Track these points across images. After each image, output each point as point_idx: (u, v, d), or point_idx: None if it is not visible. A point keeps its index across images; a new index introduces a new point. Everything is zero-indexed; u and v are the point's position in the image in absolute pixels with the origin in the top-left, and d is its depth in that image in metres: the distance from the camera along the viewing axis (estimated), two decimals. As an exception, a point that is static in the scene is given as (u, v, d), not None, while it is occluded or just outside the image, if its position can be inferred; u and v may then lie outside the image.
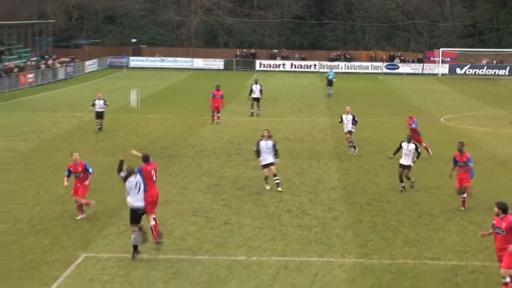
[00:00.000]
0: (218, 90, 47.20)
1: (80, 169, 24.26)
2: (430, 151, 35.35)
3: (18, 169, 32.01)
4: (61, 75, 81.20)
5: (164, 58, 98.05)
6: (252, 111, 50.42)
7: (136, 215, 20.16)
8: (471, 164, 26.06)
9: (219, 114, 46.95)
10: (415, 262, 20.26)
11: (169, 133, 42.76)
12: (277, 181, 28.45)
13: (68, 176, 24.41)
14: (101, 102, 43.20)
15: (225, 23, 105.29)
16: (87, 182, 24.28)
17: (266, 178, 28.67)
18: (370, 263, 19.80)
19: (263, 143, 28.46)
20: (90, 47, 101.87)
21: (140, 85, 72.90)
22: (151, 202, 20.84)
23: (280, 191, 28.10)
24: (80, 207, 24.23)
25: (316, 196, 27.88)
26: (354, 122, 36.29)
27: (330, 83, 65.89)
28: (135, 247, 20.03)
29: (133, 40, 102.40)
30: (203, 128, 44.87)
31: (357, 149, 36.34)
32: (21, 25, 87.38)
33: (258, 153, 28.65)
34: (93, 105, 43.32)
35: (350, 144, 36.44)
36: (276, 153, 28.61)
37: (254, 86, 50.59)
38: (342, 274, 19.39)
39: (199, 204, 26.36)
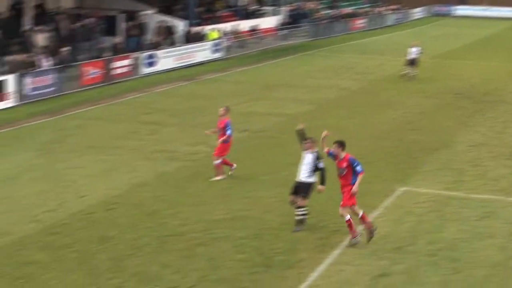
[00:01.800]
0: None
1: (220, 126, 20.58)
2: None
3: (347, 106, 32.61)
4: (389, 21, 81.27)
5: (489, 7, 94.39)
6: None
7: None
8: None
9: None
10: None
11: (489, 79, 41.10)
12: None
13: None
14: (416, 49, 40.40)
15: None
16: (220, 140, 20.44)
17: None
18: None
19: None
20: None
21: (463, 33, 71.10)
22: None
23: None
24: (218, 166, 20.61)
25: None
26: None
27: None
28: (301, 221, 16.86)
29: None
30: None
31: None
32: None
33: None
34: (408, 53, 40.55)
35: None
36: None
37: None
38: None
39: (516, 149, 25.15)
